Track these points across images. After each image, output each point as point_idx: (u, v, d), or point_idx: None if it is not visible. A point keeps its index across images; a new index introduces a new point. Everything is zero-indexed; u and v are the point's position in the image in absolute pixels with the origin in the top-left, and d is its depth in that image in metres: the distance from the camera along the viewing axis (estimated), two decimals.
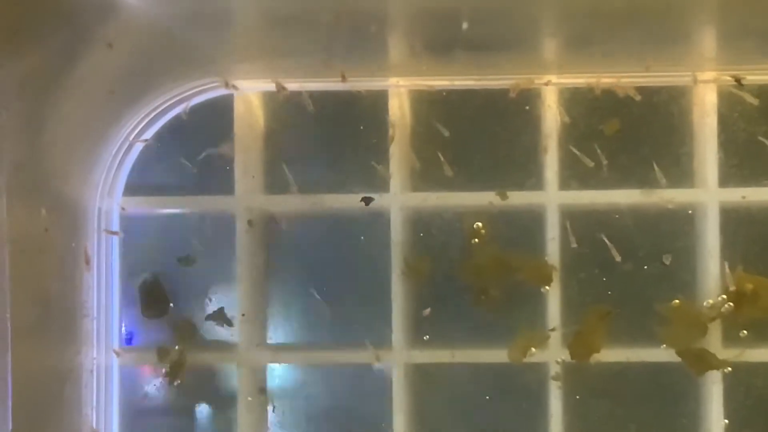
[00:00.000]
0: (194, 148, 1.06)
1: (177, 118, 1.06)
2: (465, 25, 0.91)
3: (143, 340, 1.05)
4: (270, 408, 1.05)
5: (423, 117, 1.05)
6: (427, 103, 1.05)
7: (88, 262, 1.01)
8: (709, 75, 1.01)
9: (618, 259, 1.01)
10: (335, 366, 1.06)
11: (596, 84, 1.01)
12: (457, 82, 1.04)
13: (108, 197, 1.05)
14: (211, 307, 1.05)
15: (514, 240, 1.03)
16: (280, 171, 1.06)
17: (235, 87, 1.05)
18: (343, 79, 1.04)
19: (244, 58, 1.04)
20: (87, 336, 1.02)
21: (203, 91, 1.06)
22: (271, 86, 1.06)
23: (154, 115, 1.05)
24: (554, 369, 1.02)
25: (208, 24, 0.93)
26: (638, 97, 1.00)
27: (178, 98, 1.05)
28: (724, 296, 0.99)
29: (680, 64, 1.00)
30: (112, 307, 1.05)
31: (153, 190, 1.06)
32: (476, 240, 1.02)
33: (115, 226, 1.05)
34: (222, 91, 1.06)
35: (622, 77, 1.01)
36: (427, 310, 1.03)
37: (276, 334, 1.06)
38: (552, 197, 1.03)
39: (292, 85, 1.05)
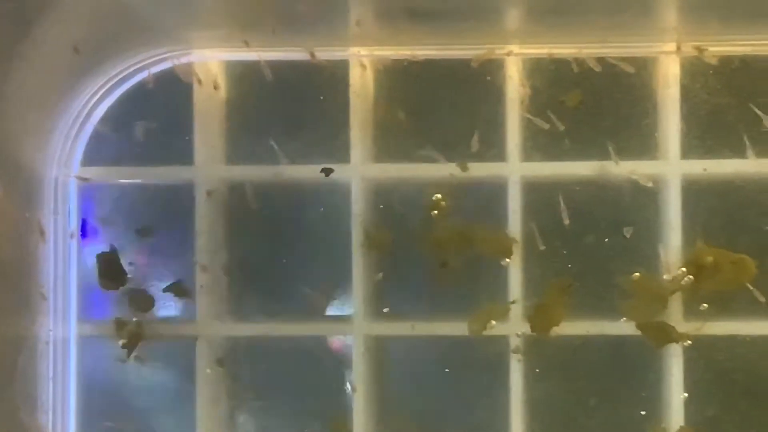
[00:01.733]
0: (153, 118, 1.05)
1: (135, 87, 1.04)
2: None
3: (101, 312, 1.04)
4: (229, 379, 1.05)
5: (384, 87, 1.04)
6: (388, 74, 1.04)
7: (42, 233, 1.00)
8: (671, 46, 1.00)
9: (576, 228, 1.00)
10: (294, 338, 1.05)
11: (558, 55, 1.00)
12: (418, 52, 1.02)
13: (65, 167, 1.03)
14: (169, 279, 1.04)
15: (475, 212, 1.02)
16: (239, 141, 1.05)
17: (194, 56, 1.04)
18: (305, 49, 1.02)
19: (204, 27, 1.02)
20: (42, 307, 1.00)
21: (162, 60, 1.04)
22: (231, 55, 1.04)
23: (112, 85, 1.04)
24: (514, 342, 1.01)
25: None
26: (598, 68, 0.99)
27: (136, 67, 1.04)
28: (684, 269, 0.99)
29: (643, 35, 0.99)
30: (69, 279, 1.04)
31: (111, 160, 1.05)
32: (436, 212, 1.02)
33: (72, 197, 1.04)
34: (182, 60, 1.04)
35: (584, 48, 1.00)
36: (380, 275, 1.02)
37: (235, 306, 1.05)
38: (513, 169, 1.02)
39: (252, 55, 1.03)
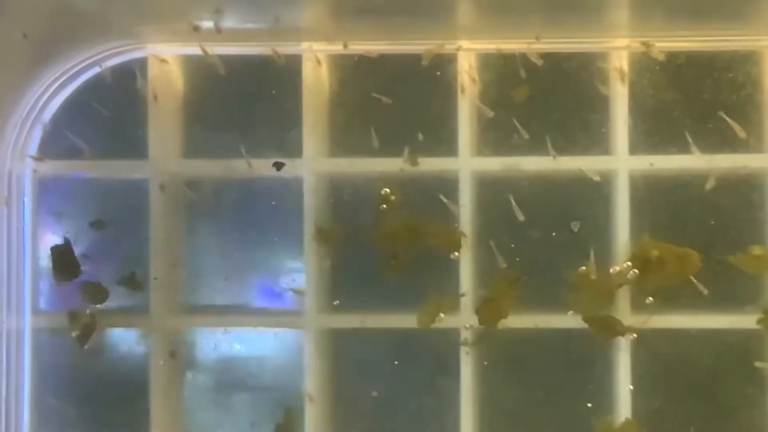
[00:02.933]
0: (108, 112, 1.05)
1: (90, 81, 1.05)
2: None
3: (55, 305, 1.05)
4: (182, 372, 1.05)
5: (336, 82, 1.05)
6: (340, 69, 1.04)
7: None
8: (619, 42, 1.01)
9: (524, 223, 1.01)
10: (247, 330, 1.05)
11: (507, 50, 1.01)
12: (370, 48, 1.03)
13: (18, 160, 1.04)
14: (123, 272, 1.05)
15: (425, 206, 1.03)
16: (193, 135, 1.06)
17: (149, 50, 1.05)
18: (258, 44, 1.03)
19: (157, 21, 1.03)
20: None
21: (117, 54, 1.05)
22: (185, 50, 1.05)
23: (66, 78, 1.05)
24: (463, 334, 1.02)
25: None
26: (540, 62, 1.00)
27: (90, 61, 1.05)
28: (630, 263, 1.00)
29: (591, 30, 1.00)
30: (23, 271, 1.05)
31: (65, 153, 1.05)
32: (384, 206, 1.02)
33: (27, 190, 1.05)
34: (136, 54, 1.05)
35: (533, 44, 1.01)
36: (328, 262, 1.03)
37: (188, 299, 1.06)
38: (463, 163, 1.02)
39: (206, 49, 1.04)
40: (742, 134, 0.99)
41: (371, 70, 1.04)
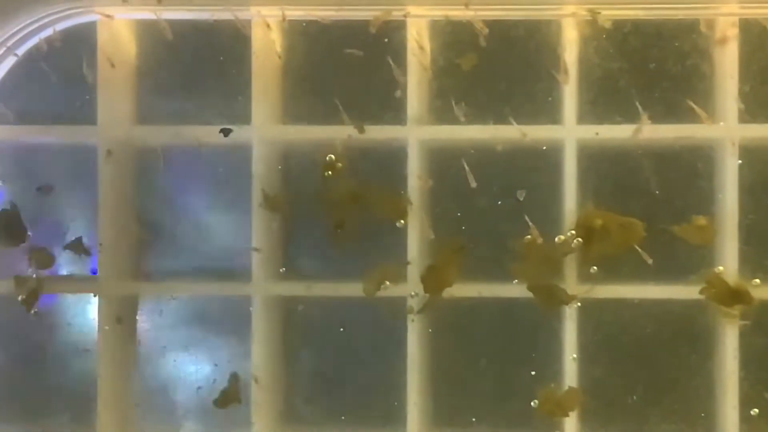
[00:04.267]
0: (56, 77, 1.05)
1: (38, 45, 1.05)
2: None
3: (1, 270, 1.05)
4: (129, 337, 1.06)
5: (285, 48, 1.04)
6: (289, 35, 1.04)
7: None
8: (566, 9, 1.00)
9: (471, 191, 1.01)
10: (195, 297, 1.06)
11: (454, 17, 1.01)
12: (319, 13, 1.03)
13: None
14: (70, 237, 1.05)
15: (373, 174, 1.03)
16: (141, 101, 1.06)
17: (97, 14, 1.04)
18: (207, 8, 1.03)
19: None
20: None
21: (66, 18, 1.05)
22: (133, 14, 1.05)
23: (14, 42, 1.04)
24: (409, 302, 1.02)
25: None
26: (486, 30, 1.00)
27: (37, 24, 1.04)
28: (574, 232, 1.00)
29: None
30: None
31: (13, 118, 1.05)
32: (330, 173, 1.02)
33: None
34: (85, 18, 1.05)
35: (480, 11, 1.00)
36: (273, 224, 1.02)
37: (134, 264, 1.06)
38: (411, 132, 1.02)
39: (153, 14, 1.04)
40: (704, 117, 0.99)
41: (320, 36, 1.04)
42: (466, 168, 1.02)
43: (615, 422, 1.01)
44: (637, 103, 1.00)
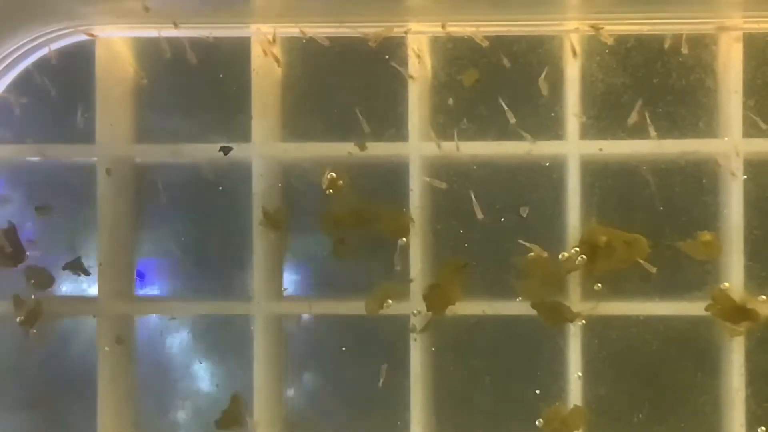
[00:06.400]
0: (55, 95, 1.04)
1: (36, 63, 1.04)
2: None
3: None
4: (129, 358, 1.05)
5: (285, 66, 1.03)
6: (289, 52, 1.03)
7: None
8: (570, 25, 1.00)
9: (479, 215, 1.00)
10: (197, 317, 1.05)
11: (455, 33, 1.00)
12: (319, 30, 1.02)
13: None
14: (69, 257, 1.04)
15: (375, 191, 1.02)
16: (140, 119, 1.05)
17: (96, 31, 1.03)
18: (206, 26, 1.02)
19: (104, 1, 1.02)
20: None
21: (63, 36, 1.04)
22: (132, 32, 1.04)
23: (12, 60, 1.03)
24: (412, 321, 1.01)
25: None
26: (486, 44, 0.99)
27: (36, 43, 1.04)
28: (578, 249, 0.99)
29: (539, 13, 0.99)
30: None
31: (11, 137, 1.04)
32: (331, 190, 1.01)
33: None
34: (84, 37, 1.04)
35: (481, 26, 1.00)
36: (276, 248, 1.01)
37: (135, 285, 1.05)
38: (413, 148, 1.01)
39: (153, 32, 1.03)
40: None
41: (320, 53, 1.03)
42: (462, 189, 1.01)
43: None
44: (641, 118, 0.99)
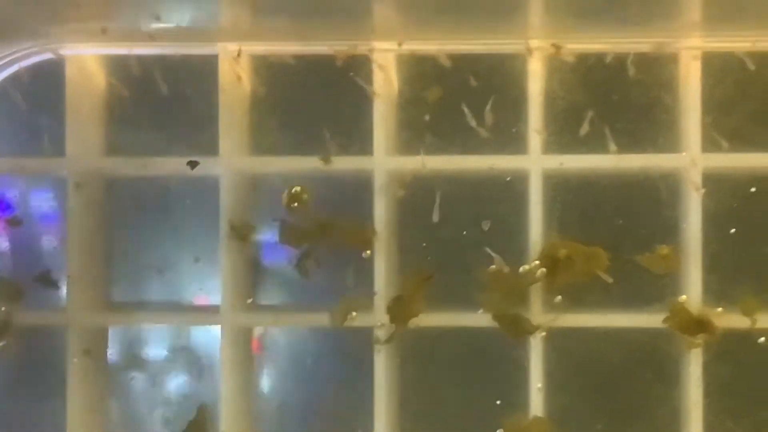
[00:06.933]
0: (24, 110, 1.06)
1: (6, 80, 1.05)
2: None
3: None
4: (98, 369, 1.06)
5: (252, 82, 1.05)
6: (256, 68, 1.05)
7: None
8: (532, 43, 1.02)
9: (437, 223, 1.02)
10: (164, 328, 1.06)
11: (419, 52, 1.02)
12: (285, 49, 1.04)
13: None
14: (38, 269, 1.05)
15: (340, 205, 1.04)
16: (109, 134, 1.06)
17: (66, 49, 1.05)
18: (174, 43, 1.04)
19: (75, 20, 1.03)
20: None
21: (32, 54, 1.05)
22: (101, 50, 1.05)
23: None
24: (376, 333, 1.02)
25: None
26: (449, 63, 1.01)
27: (5, 61, 1.05)
28: (538, 262, 1.00)
29: (501, 32, 1.00)
30: None
31: None
32: (296, 204, 1.03)
33: None
34: (51, 55, 1.05)
35: (445, 45, 1.02)
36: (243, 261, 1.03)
37: (104, 296, 1.06)
38: (378, 163, 1.03)
39: (121, 49, 1.04)
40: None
41: (286, 70, 1.04)
42: (425, 203, 1.03)
43: None
44: (602, 134, 1.01)
